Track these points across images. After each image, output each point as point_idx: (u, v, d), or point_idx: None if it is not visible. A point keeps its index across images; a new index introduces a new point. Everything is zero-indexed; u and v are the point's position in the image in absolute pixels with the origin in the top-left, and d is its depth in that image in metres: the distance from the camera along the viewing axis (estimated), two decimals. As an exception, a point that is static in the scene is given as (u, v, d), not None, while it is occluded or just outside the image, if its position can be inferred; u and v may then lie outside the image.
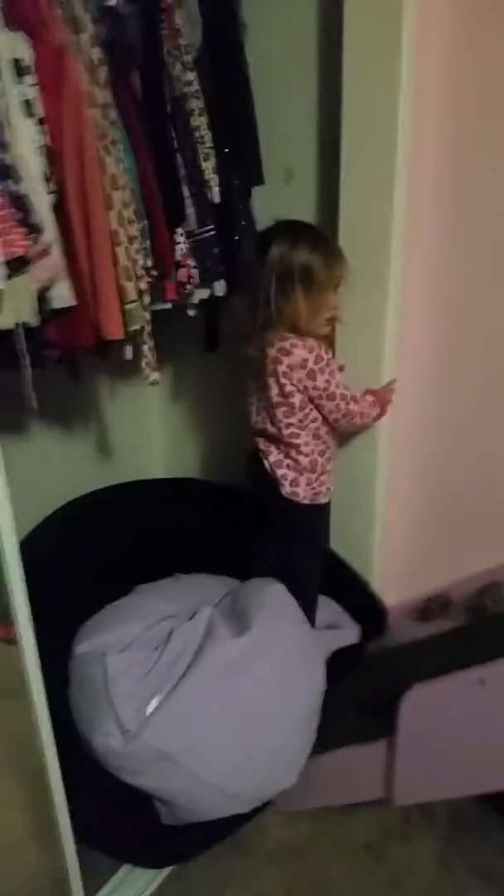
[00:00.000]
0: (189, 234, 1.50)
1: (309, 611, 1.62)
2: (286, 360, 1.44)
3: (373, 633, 1.74)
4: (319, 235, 1.49)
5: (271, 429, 1.54)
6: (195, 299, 1.59)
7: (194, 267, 1.51)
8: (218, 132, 1.50)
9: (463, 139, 1.49)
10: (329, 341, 1.58)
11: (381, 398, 1.58)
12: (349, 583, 1.79)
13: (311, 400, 1.50)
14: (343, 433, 1.65)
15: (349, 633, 1.71)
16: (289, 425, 1.51)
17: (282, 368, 1.45)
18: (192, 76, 1.42)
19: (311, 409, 1.52)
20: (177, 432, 2.22)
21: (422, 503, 1.80)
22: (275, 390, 1.48)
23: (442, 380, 1.67)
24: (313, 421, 1.53)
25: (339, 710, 1.47)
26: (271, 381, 1.47)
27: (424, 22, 1.39)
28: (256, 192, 1.65)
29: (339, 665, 1.60)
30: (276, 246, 1.43)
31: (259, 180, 1.64)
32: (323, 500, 1.62)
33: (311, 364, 1.44)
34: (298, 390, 1.47)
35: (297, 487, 1.58)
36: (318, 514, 1.65)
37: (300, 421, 1.51)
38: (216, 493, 2.07)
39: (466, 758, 1.27)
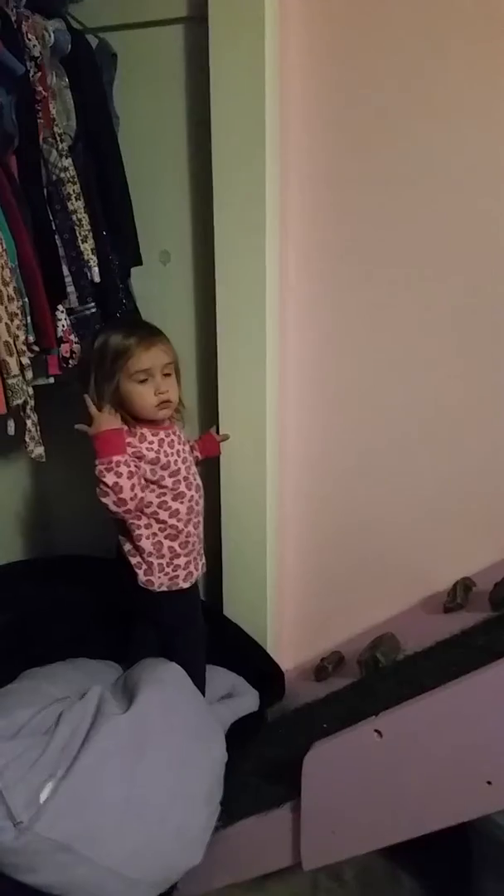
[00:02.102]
0: (70, 311, 1.52)
1: (198, 686, 1.59)
2: None
3: (272, 697, 1.74)
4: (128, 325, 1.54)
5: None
6: (78, 373, 1.60)
7: (76, 342, 1.53)
8: (96, 215, 1.55)
9: (324, 218, 1.62)
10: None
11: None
12: (245, 649, 1.79)
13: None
14: (233, 504, 1.68)
15: (248, 701, 1.70)
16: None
17: None
18: (67, 162, 1.48)
19: (143, 492, 1.48)
20: (61, 508, 2.18)
21: (311, 567, 1.85)
22: None
23: (325, 454, 1.76)
24: (147, 505, 1.50)
25: (243, 779, 1.45)
26: None
27: (286, 112, 1.54)
28: (136, 272, 1.71)
29: (241, 734, 1.59)
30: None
31: (137, 261, 1.71)
32: (183, 584, 1.58)
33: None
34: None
35: (151, 576, 1.55)
36: (180, 600, 1.60)
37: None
38: (104, 570, 2.03)
39: (370, 811, 1.28)
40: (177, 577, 1.56)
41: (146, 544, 1.52)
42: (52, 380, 1.55)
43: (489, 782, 1.16)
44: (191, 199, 1.70)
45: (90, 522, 2.13)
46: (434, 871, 1.51)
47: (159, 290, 1.77)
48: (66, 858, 1.25)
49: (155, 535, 1.53)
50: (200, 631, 1.67)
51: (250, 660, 1.78)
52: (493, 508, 1.67)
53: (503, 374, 1.60)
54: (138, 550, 1.54)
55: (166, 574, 1.55)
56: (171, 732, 1.42)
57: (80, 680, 1.58)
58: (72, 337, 1.52)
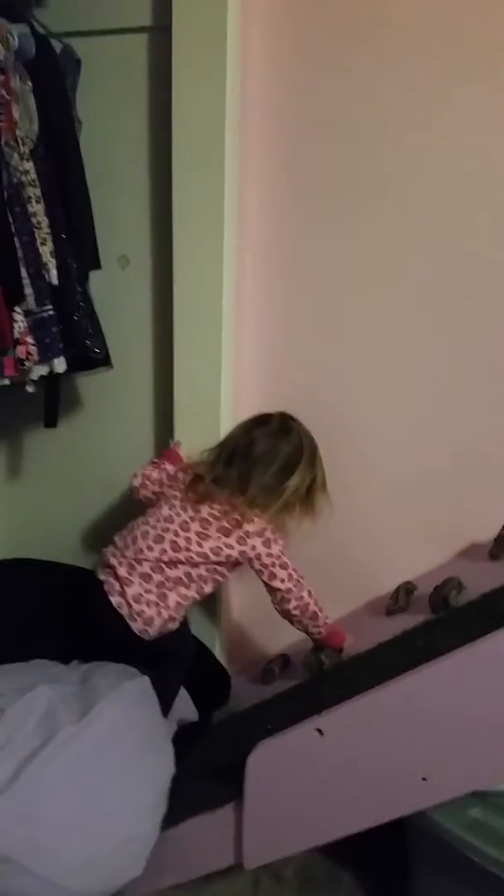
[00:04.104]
0: (28, 313, 1.53)
1: (165, 704, 1.58)
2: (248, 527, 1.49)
3: (218, 700, 1.76)
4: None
5: (164, 556, 1.49)
6: (34, 375, 1.60)
7: (33, 344, 1.54)
8: (55, 218, 1.56)
9: (283, 226, 1.68)
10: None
11: None
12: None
13: (250, 562, 1.51)
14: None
15: (186, 711, 1.70)
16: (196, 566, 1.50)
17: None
18: (28, 165, 1.49)
19: (227, 571, 1.54)
20: (14, 511, 2.17)
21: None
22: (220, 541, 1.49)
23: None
24: (218, 578, 1.54)
25: (186, 780, 1.47)
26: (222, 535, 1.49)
27: (246, 122, 1.59)
28: (94, 275, 1.72)
29: (184, 738, 1.60)
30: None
31: (96, 265, 1.72)
32: (173, 626, 1.56)
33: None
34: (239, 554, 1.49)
35: (150, 627, 1.51)
36: (172, 641, 1.58)
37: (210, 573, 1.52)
38: (59, 574, 2.02)
39: (312, 809, 1.31)
40: (173, 620, 1.55)
41: (175, 602, 1.51)
42: (7, 381, 1.55)
43: (424, 779, 1.20)
44: (150, 205, 1.73)
45: (36, 524, 2.15)
46: (372, 867, 1.55)
47: (118, 294, 1.79)
48: (4, 868, 1.23)
49: (189, 600, 1.54)
50: (186, 665, 1.67)
51: (198, 662, 1.80)
52: (434, 513, 1.73)
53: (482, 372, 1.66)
54: (163, 604, 1.50)
55: (164, 625, 1.53)
56: (122, 746, 1.40)
57: (29, 680, 1.51)
58: (28, 339, 1.53)
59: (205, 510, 1.51)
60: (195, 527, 1.50)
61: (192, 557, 1.49)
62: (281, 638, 1.83)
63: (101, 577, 1.54)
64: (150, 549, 1.50)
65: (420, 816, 1.30)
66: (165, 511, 1.54)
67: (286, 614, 1.56)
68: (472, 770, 1.18)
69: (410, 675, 1.21)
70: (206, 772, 1.47)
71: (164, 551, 1.49)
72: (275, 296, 1.73)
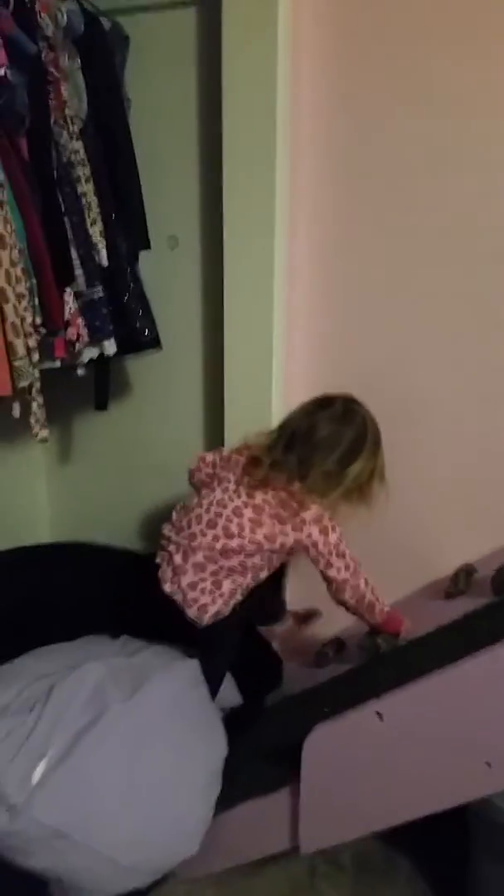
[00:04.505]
0: (78, 295, 1.53)
1: (213, 688, 1.57)
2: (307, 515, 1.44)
3: (271, 684, 1.75)
4: None
5: (217, 544, 1.46)
6: (84, 358, 1.61)
7: (84, 326, 1.54)
8: (105, 198, 1.56)
9: (332, 205, 1.63)
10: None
11: None
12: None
13: (306, 550, 1.47)
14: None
15: (231, 694, 1.68)
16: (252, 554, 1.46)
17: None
18: (78, 145, 1.48)
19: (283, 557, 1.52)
20: (64, 494, 2.19)
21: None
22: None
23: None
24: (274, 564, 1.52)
25: (241, 762, 1.46)
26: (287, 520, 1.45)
27: (297, 99, 1.55)
28: (143, 256, 1.71)
29: (238, 721, 1.60)
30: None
31: (145, 245, 1.71)
32: (226, 612, 1.52)
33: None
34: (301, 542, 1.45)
35: (205, 614, 1.49)
36: (222, 627, 1.54)
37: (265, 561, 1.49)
38: (110, 558, 2.04)
39: (370, 794, 1.28)
40: (225, 609, 1.53)
41: (231, 586, 1.50)
42: (58, 363, 1.55)
43: (488, 763, 1.16)
44: (200, 185, 1.71)
45: (87, 508, 2.16)
46: (432, 855, 1.52)
47: (167, 276, 1.77)
48: (61, 844, 1.25)
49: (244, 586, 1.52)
50: (233, 651, 1.65)
51: (249, 646, 1.79)
52: (494, 495, 1.68)
53: None
54: (217, 589, 1.49)
55: (218, 611, 1.51)
56: (175, 724, 1.40)
57: (79, 657, 1.54)
58: (78, 321, 1.53)
59: (259, 496, 1.46)
60: (248, 513, 1.45)
61: (245, 546, 1.45)
62: (335, 622, 1.80)
63: (158, 560, 1.53)
64: (204, 534, 1.47)
65: (482, 802, 1.26)
66: (219, 494, 1.50)
67: (342, 603, 1.51)
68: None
69: (473, 658, 1.17)
70: (261, 755, 1.45)
71: (216, 538, 1.45)
72: (327, 276, 1.69)
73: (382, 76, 1.53)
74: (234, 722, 1.57)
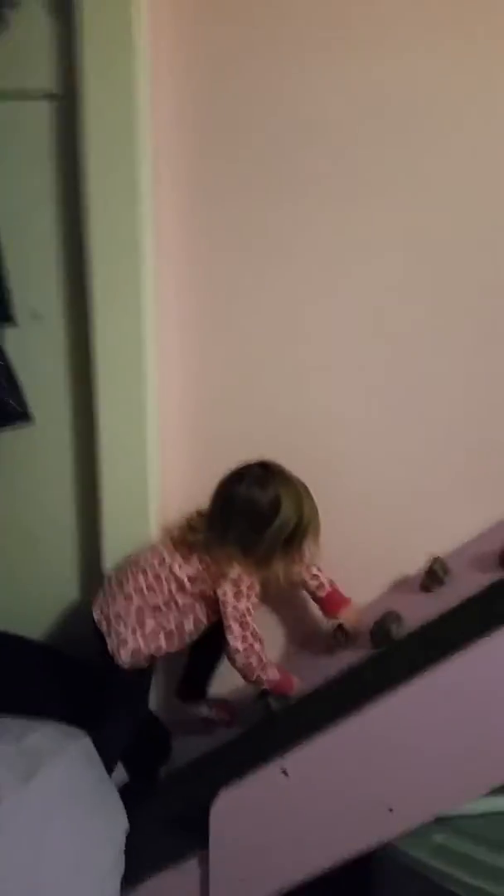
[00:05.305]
0: None
1: (109, 764, 1.56)
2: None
3: (161, 756, 1.73)
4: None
5: (145, 581, 1.55)
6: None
7: None
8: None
9: (200, 269, 1.72)
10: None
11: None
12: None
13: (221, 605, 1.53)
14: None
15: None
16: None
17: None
18: None
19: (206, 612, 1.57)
20: None
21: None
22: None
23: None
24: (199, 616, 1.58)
25: (143, 838, 1.43)
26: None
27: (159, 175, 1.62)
28: (8, 330, 1.69)
29: (134, 793, 1.56)
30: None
31: (8, 318, 1.69)
32: (143, 660, 1.58)
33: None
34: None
35: (123, 648, 1.54)
36: (136, 676, 1.61)
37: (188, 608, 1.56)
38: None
39: (279, 851, 1.31)
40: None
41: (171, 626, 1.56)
42: None
43: (390, 809, 1.24)
44: (62, 258, 1.71)
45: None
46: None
47: (32, 349, 1.75)
48: None
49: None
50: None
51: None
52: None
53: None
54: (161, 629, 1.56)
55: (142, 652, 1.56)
56: (75, 809, 1.35)
57: None
58: None
59: (191, 548, 1.56)
60: (178, 556, 1.56)
61: (171, 580, 1.53)
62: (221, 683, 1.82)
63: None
64: (135, 574, 1.57)
65: (384, 846, 1.33)
66: (152, 554, 1.60)
67: (231, 663, 1.56)
68: (436, 795, 1.23)
69: (366, 708, 1.25)
70: (165, 826, 1.44)
71: (145, 572, 1.55)
72: (200, 341, 1.76)
73: (249, 146, 1.66)
74: (129, 796, 1.54)
